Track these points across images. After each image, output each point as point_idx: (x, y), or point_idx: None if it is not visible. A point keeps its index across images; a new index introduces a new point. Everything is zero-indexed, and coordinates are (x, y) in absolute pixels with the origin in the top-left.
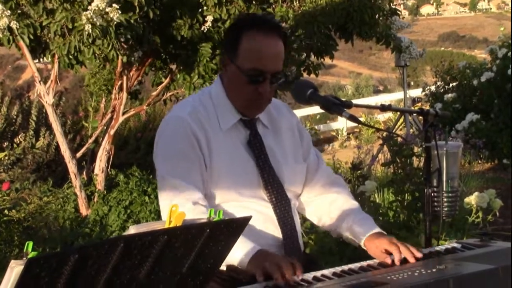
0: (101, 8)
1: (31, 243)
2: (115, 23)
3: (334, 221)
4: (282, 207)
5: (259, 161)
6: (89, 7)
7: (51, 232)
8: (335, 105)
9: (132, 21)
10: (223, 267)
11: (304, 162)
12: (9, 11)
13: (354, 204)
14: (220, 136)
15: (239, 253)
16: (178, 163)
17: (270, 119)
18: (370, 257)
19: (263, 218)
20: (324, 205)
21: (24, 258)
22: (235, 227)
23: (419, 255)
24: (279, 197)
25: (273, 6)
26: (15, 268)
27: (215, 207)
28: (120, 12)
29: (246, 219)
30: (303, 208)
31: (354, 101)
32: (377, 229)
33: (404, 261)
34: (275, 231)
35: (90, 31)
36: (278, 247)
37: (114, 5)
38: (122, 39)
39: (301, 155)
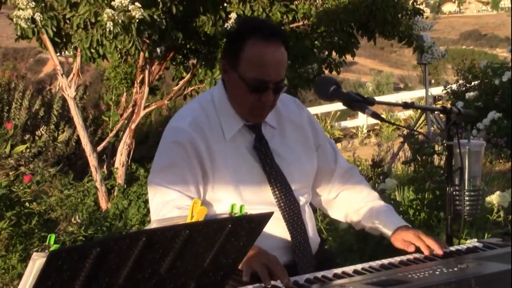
0: (124, 5)
1: (53, 236)
2: (137, 20)
3: (356, 216)
4: (291, 210)
5: (265, 166)
6: (113, 3)
7: (71, 225)
8: (357, 102)
9: (155, 16)
10: None
11: (315, 158)
12: (33, 3)
13: (373, 195)
14: (223, 144)
15: None
16: (169, 173)
17: (277, 118)
18: (390, 255)
19: (273, 223)
20: (346, 202)
21: (46, 251)
22: (256, 223)
23: (440, 252)
24: (287, 201)
25: (296, 3)
26: (37, 261)
27: (223, 214)
28: (142, 10)
29: (268, 215)
30: (326, 209)
31: (375, 99)
32: (403, 223)
33: (428, 258)
34: (284, 235)
35: (112, 28)
36: (288, 251)
37: (136, 3)
38: (144, 36)
39: (313, 152)
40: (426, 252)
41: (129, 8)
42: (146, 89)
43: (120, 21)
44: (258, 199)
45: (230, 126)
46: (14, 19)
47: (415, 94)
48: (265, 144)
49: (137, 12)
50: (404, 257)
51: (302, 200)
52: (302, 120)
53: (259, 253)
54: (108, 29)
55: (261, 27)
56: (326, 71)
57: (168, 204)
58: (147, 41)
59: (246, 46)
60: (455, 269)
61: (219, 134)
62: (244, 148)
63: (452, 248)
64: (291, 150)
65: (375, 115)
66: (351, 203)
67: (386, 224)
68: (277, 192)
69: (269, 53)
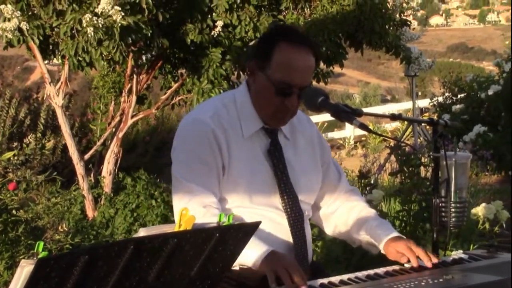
0: (107, 11)
1: (41, 243)
2: (119, 25)
3: (350, 228)
4: (296, 218)
5: (277, 171)
6: (96, 10)
7: (57, 233)
8: (345, 113)
9: (140, 23)
10: (235, 268)
11: (321, 173)
12: (19, 12)
13: (371, 211)
14: (241, 142)
15: (253, 253)
16: (194, 167)
17: (291, 131)
18: (377, 265)
19: (277, 227)
20: (342, 215)
21: (35, 258)
22: (244, 232)
23: (435, 260)
24: (294, 208)
25: (284, 13)
26: (25, 268)
27: (229, 213)
28: (123, 14)
29: (256, 225)
30: (321, 223)
31: (363, 110)
32: (395, 234)
33: (414, 269)
34: (287, 240)
35: (92, 34)
36: None
37: (116, 7)
38: (129, 42)
39: (319, 167)
40: (415, 264)
41: (110, 13)
42: (133, 98)
43: (100, 25)
44: (266, 201)
45: (249, 126)
46: (0, 32)
47: (402, 106)
48: (279, 149)
49: (118, 16)
50: (390, 268)
51: (305, 212)
52: (313, 136)
53: (280, 257)
54: (89, 35)
55: (293, 33)
56: (314, 82)
57: (194, 200)
58: (133, 48)
59: (278, 50)
60: (441, 280)
61: (237, 131)
62: (259, 150)
63: (438, 260)
64: (301, 162)
65: (363, 126)
66: (346, 218)
67: (375, 235)
68: (285, 198)
69: (298, 58)
